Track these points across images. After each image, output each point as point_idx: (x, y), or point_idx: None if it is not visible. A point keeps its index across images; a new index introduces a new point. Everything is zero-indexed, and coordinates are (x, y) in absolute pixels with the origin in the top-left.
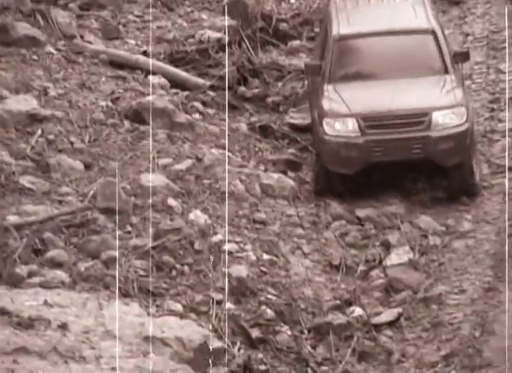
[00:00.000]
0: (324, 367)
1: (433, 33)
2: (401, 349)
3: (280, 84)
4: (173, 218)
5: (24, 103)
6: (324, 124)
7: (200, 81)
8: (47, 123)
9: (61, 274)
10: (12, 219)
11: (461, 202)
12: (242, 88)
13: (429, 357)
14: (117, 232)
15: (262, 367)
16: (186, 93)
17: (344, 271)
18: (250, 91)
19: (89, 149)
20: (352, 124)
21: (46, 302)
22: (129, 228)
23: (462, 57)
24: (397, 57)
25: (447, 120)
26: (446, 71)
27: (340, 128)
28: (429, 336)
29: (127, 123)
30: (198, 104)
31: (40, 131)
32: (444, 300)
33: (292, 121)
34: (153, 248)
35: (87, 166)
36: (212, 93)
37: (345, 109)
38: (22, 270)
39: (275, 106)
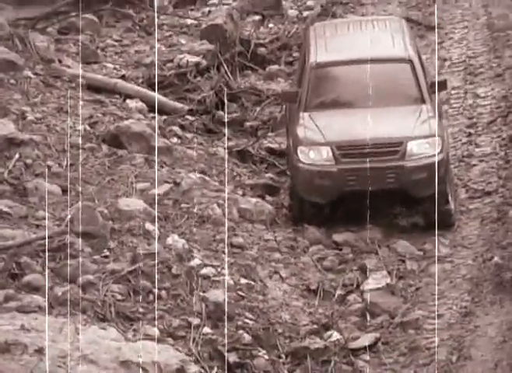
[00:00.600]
0: None
1: (410, 61)
2: None
3: (258, 108)
4: (150, 243)
5: (2, 127)
6: (299, 152)
7: (178, 105)
8: (25, 147)
9: (37, 299)
10: None
11: (438, 227)
12: (220, 113)
13: None
14: (95, 256)
15: None
16: (164, 117)
17: (321, 295)
18: (228, 115)
19: (67, 173)
20: (326, 153)
21: (23, 326)
22: (106, 253)
23: (439, 86)
24: (373, 86)
25: (422, 149)
26: (422, 101)
27: (314, 157)
28: (406, 361)
29: (104, 148)
30: (176, 128)
31: (17, 155)
32: (421, 324)
33: (270, 145)
34: (130, 272)
35: (64, 190)
36: (190, 117)
37: (320, 138)
38: None
39: (253, 130)
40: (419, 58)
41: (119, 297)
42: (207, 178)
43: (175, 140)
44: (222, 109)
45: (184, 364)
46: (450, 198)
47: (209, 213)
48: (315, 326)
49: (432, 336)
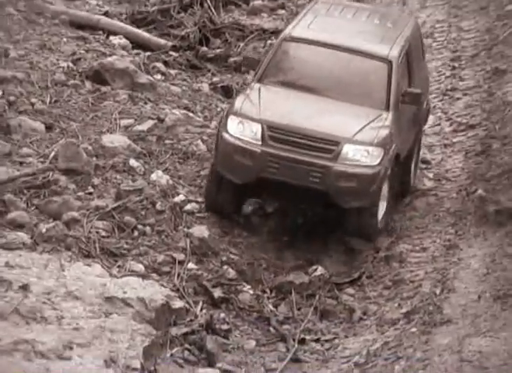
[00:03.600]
0: (286, 326)
1: (389, 62)
2: (363, 307)
3: (242, 44)
4: (134, 179)
5: None
6: (229, 121)
7: (162, 41)
8: (8, 84)
9: (22, 236)
10: None
11: (422, 161)
12: (204, 49)
13: (391, 315)
14: (79, 193)
15: (224, 327)
16: (148, 54)
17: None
18: (212, 51)
19: (51, 110)
20: (255, 130)
21: (7, 264)
22: (91, 189)
23: (412, 98)
24: (341, 77)
25: (358, 156)
26: (386, 108)
27: (242, 131)
28: (391, 294)
29: (88, 84)
30: (159, 64)
31: (0, 93)
32: (405, 258)
33: None
34: (114, 209)
35: (48, 127)
36: (174, 54)
37: (255, 112)
38: None
39: (237, 66)
40: (404, 63)
41: (103, 233)
42: (191, 114)
43: (159, 76)
44: (206, 45)
45: (169, 300)
46: (379, 212)
47: (193, 149)
48: (299, 262)
49: (416, 269)
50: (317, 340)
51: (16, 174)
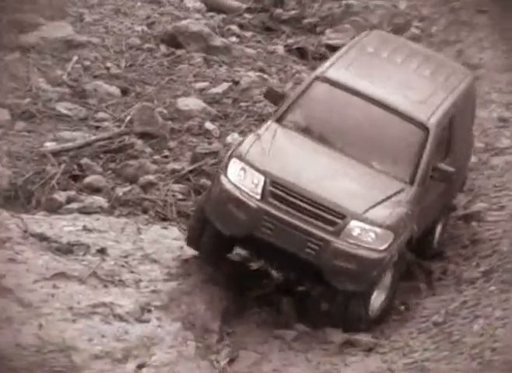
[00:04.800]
0: None
1: (426, 130)
2: (441, 267)
3: (316, 5)
4: (210, 142)
5: (60, 30)
6: (231, 163)
7: (236, 3)
8: (83, 49)
9: (99, 200)
10: (50, 146)
11: (500, 119)
12: (278, 11)
13: (469, 274)
14: (155, 157)
15: (300, 288)
16: (222, 16)
17: None
18: (286, 13)
19: (126, 74)
20: (256, 181)
21: (85, 227)
22: (166, 153)
23: (442, 175)
24: (369, 136)
25: (364, 237)
26: (411, 182)
27: (242, 178)
28: (469, 253)
29: (163, 48)
30: (234, 27)
31: (76, 58)
32: (483, 217)
33: (329, 42)
34: (190, 171)
35: (124, 91)
36: (248, 16)
37: (261, 161)
38: (60, 196)
39: (312, 27)
40: (449, 131)
41: (180, 196)
42: (266, 76)
43: (233, 39)
44: (281, 7)
45: (246, 262)
46: (374, 300)
47: (269, 111)
48: None
49: (494, 227)
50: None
51: (92, 138)
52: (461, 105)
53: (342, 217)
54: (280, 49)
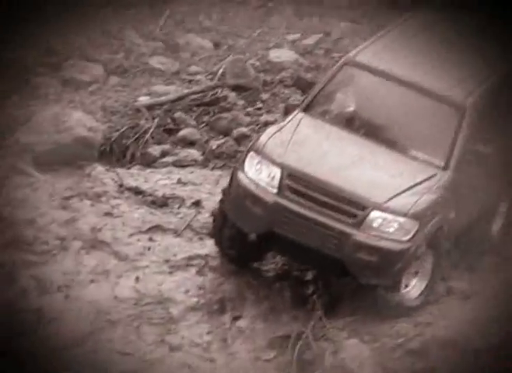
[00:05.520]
0: None
1: (463, 110)
2: None
3: None
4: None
5: None
6: (248, 158)
7: None
8: (174, 2)
9: (193, 153)
10: (143, 100)
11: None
12: None
13: None
14: (248, 109)
15: None
16: None
17: None
18: None
19: (218, 27)
20: (273, 175)
21: (179, 180)
22: (259, 105)
23: (477, 159)
24: (401, 120)
25: (386, 228)
26: (445, 166)
27: (259, 173)
28: None
29: (254, 0)
30: None
31: (168, 12)
32: None
33: None
34: None
35: (216, 44)
36: None
37: (278, 153)
38: (155, 149)
39: None
40: (494, 111)
41: None
42: (358, 26)
43: None
44: None
45: None
46: (403, 287)
47: None
48: None
49: None
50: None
51: (185, 92)
52: (508, 85)
53: (363, 208)
54: None
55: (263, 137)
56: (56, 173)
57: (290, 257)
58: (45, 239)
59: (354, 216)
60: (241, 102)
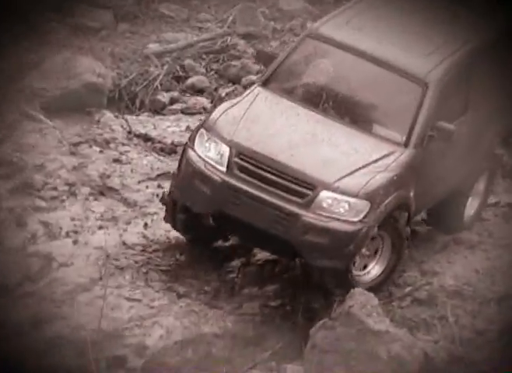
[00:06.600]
0: None
1: (425, 85)
2: None
3: None
4: None
5: None
6: (198, 135)
7: None
8: None
9: (202, 100)
10: (153, 47)
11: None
12: None
13: None
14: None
15: None
16: None
17: None
18: None
19: None
20: (222, 153)
21: (188, 128)
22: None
23: (440, 134)
24: (361, 95)
25: (336, 208)
26: (405, 143)
27: (208, 151)
28: None
29: None
30: None
31: None
32: None
33: None
34: None
35: None
36: None
37: (228, 131)
38: (163, 96)
39: None
40: (446, 91)
41: None
42: None
43: None
44: None
45: None
46: (350, 276)
47: None
48: None
49: None
50: None
51: (195, 39)
52: (483, 56)
53: (312, 188)
54: None
55: (214, 114)
56: (65, 119)
57: (241, 239)
58: (54, 185)
59: (303, 196)
60: (251, 50)
